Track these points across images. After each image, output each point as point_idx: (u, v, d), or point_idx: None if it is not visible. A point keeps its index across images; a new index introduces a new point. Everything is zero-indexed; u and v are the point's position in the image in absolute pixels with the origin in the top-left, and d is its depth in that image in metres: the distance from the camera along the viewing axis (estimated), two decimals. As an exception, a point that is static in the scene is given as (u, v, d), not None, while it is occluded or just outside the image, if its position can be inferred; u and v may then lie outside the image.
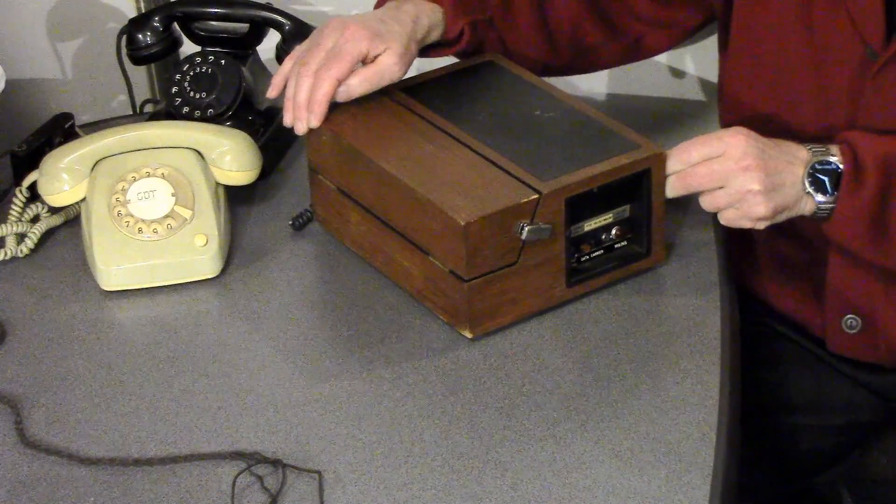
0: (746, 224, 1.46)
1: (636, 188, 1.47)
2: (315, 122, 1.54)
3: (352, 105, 1.56)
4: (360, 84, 1.54)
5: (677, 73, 2.07)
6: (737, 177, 1.44)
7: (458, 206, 1.42)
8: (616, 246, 1.51)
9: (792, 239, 1.64)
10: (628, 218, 1.50)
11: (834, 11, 1.51)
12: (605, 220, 1.49)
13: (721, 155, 1.44)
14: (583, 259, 1.50)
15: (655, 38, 1.73)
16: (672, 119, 2.12)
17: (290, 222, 1.66)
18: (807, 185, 1.45)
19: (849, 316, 1.61)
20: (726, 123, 1.70)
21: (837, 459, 1.71)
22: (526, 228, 1.42)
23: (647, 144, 1.48)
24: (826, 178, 1.46)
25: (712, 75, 1.96)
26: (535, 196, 1.42)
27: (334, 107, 1.56)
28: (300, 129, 1.56)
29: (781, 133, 1.57)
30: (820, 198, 1.46)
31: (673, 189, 1.48)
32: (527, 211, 1.42)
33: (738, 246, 1.64)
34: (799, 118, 1.57)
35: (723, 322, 1.49)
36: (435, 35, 1.61)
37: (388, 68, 1.55)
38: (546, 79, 1.64)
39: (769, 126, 1.59)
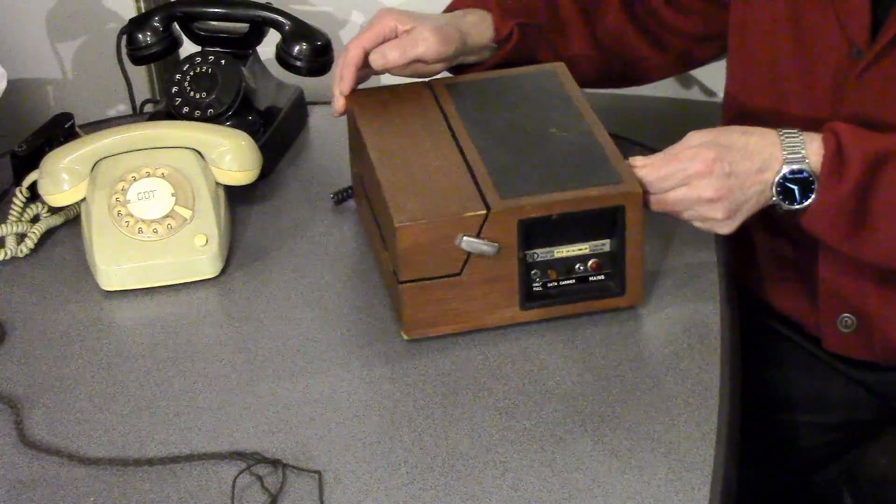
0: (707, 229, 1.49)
1: (616, 223, 1.45)
2: (345, 88, 1.60)
3: (387, 90, 1.61)
4: (391, 50, 1.59)
5: (684, 74, 2.07)
6: (701, 206, 1.44)
7: (405, 207, 1.43)
8: (591, 279, 1.48)
9: (789, 238, 1.65)
10: (609, 253, 1.47)
11: (821, 10, 1.52)
12: (579, 250, 1.46)
13: (687, 185, 1.43)
14: (550, 285, 1.47)
15: (703, 49, 1.75)
16: (678, 119, 2.11)
17: (332, 196, 1.68)
18: (774, 194, 1.44)
19: (844, 315, 1.61)
20: (726, 122, 1.70)
21: (836, 457, 1.71)
22: (465, 238, 1.42)
23: (629, 181, 1.44)
24: (796, 188, 1.44)
25: (719, 76, 1.96)
26: (483, 212, 1.42)
27: (373, 91, 1.60)
28: (337, 105, 1.61)
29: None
30: (786, 207, 1.45)
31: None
32: (472, 225, 1.42)
33: (736, 245, 1.64)
34: (787, 115, 1.57)
35: (723, 322, 1.49)
36: (485, 34, 1.64)
37: (421, 37, 1.59)
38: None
39: (762, 124, 1.60)
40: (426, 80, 1.64)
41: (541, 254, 1.46)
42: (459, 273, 1.44)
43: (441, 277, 1.44)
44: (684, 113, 2.11)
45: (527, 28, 1.65)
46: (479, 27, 1.64)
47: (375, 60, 1.60)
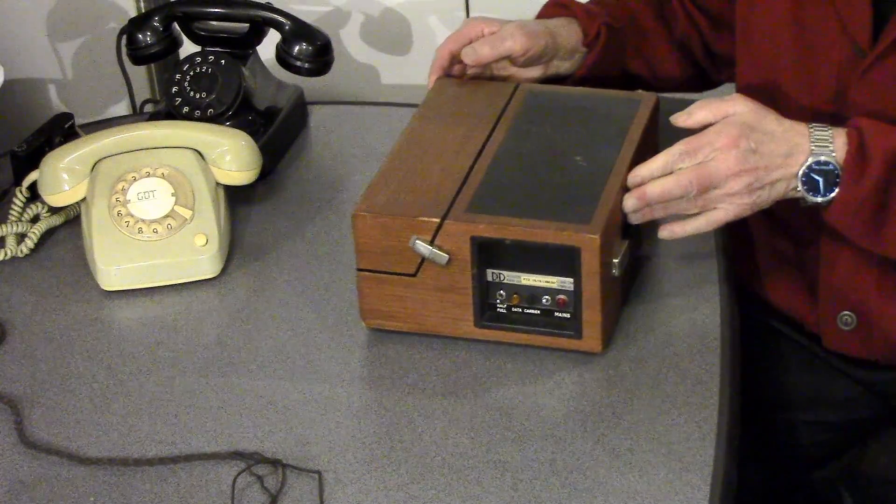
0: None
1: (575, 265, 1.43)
2: (430, 86, 1.67)
3: (472, 83, 1.65)
4: (482, 46, 1.64)
5: None
6: (725, 182, 1.43)
7: (373, 197, 1.45)
8: (556, 313, 1.45)
9: (789, 236, 1.65)
10: (573, 292, 1.44)
11: (823, 10, 1.53)
12: (547, 282, 1.44)
13: (713, 159, 1.43)
14: (514, 309, 1.46)
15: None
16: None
17: None
18: (799, 185, 1.45)
19: (844, 313, 1.61)
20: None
21: (835, 455, 1.71)
22: (417, 242, 1.42)
23: (593, 227, 1.40)
24: (821, 179, 1.45)
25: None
26: (437, 220, 1.42)
27: (456, 81, 1.65)
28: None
29: None
30: (811, 199, 1.46)
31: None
32: (425, 230, 1.42)
33: (737, 244, 1.64)
34: (791, 116, 1.57)
35: (723, 322, 1.49)
36: (574, 36, 1.68)
37: (508, 32, 1.64)
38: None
39: None
40: (517, 82, 1.65)
41: (507, 276, 1.45)
42: (414, 274, 1.44)
43: (396, 274, 1.45)
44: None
45: (613, 29, 1.68)
46: (568, 28, 1.68)
47: (467, 54, 1.64)
